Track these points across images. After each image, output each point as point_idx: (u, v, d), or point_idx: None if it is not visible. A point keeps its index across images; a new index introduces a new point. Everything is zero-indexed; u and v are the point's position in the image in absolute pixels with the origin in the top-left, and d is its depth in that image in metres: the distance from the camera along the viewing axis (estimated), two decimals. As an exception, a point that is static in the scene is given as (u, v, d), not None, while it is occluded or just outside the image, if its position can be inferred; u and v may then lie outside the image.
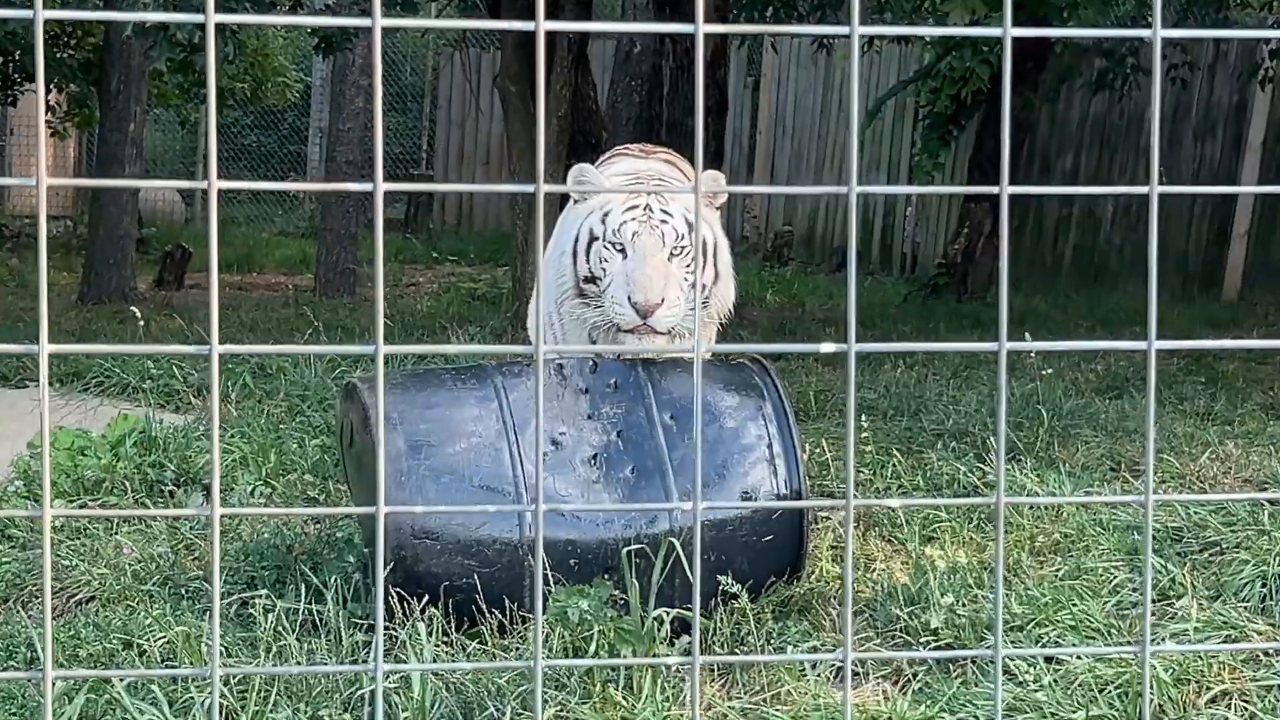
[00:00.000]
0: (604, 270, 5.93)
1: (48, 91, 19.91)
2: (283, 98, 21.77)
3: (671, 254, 5.85)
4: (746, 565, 5.65)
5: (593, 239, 5.96)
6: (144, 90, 14.73)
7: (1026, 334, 10.20)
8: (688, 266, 5.86)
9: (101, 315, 13.10)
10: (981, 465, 7.28)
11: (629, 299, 5.79)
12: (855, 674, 5.39)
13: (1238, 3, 13.71)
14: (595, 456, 5.76)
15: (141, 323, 10.74)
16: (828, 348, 1.81)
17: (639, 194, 5.94)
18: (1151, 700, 4.94)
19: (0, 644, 5.60)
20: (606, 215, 5.99)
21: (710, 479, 5.69)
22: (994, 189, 1.75)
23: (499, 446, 5.74)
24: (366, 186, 1.77)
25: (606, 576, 5.56)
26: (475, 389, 5.85)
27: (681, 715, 5.07)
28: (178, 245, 16.88)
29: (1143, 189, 1.74)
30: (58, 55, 18.79)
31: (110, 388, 9.37)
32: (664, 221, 5.85)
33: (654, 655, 5.25)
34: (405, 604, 5.43)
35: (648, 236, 5.83)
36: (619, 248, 5.89)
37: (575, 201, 6.22)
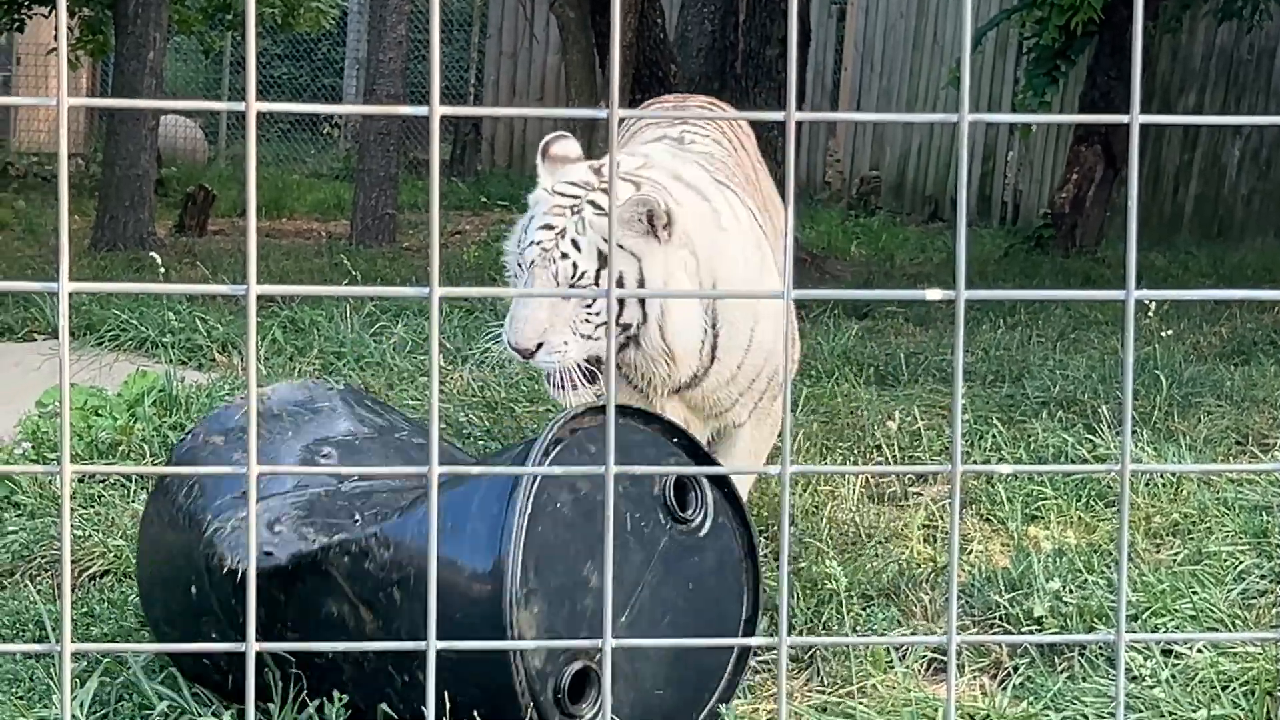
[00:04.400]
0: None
1: (53, 11, 19.99)
2: (316, 25, 21.76)
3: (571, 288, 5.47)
4: None
5: (518, 243, 5.70)
6: (164, 15, 14.75)
7: (1150, 303, 10.12)
8: (589, 306, 5.41)
9: (117, 263, 13.13)
10: (1091, 437, 7.24)
11: (507, 333, 5.44)
12: (942, 666, 5.37)
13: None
14: None
15: (162, 270, 10.79)
16: (934, 294, 1.80)
17: (564, 210, 5.53)
18: (1277, 696, 4.91)
19: (6, 620, 5.62)
20: (529, 224, 5.64)
21: None
22: (1123, 117, 1.73)
23: None
24: (422, 110, 1.77)
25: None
26: None
27: (754, 710, 5.07)
28: (200, 187, 16.95)
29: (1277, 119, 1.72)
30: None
31: (127, 342, 9.41)
32: (564, 256, 5.46)
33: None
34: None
35: (541, 270, 5.47)
36: (525, 270, 5.57)
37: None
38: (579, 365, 5.38)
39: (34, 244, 14.65)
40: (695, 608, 4.90)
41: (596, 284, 5.42)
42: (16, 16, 19.25)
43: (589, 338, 5.38)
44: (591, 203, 5.50)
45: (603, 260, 5.42)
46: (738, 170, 6.35)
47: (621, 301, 5.46)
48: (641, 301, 5.47)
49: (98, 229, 14.46)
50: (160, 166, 17.17)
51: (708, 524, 4.87)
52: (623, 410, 4.94)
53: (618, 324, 5.43)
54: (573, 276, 5.40)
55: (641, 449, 4.87)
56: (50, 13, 19.20)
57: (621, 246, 5.44)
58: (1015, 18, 15.87)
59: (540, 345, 5.34)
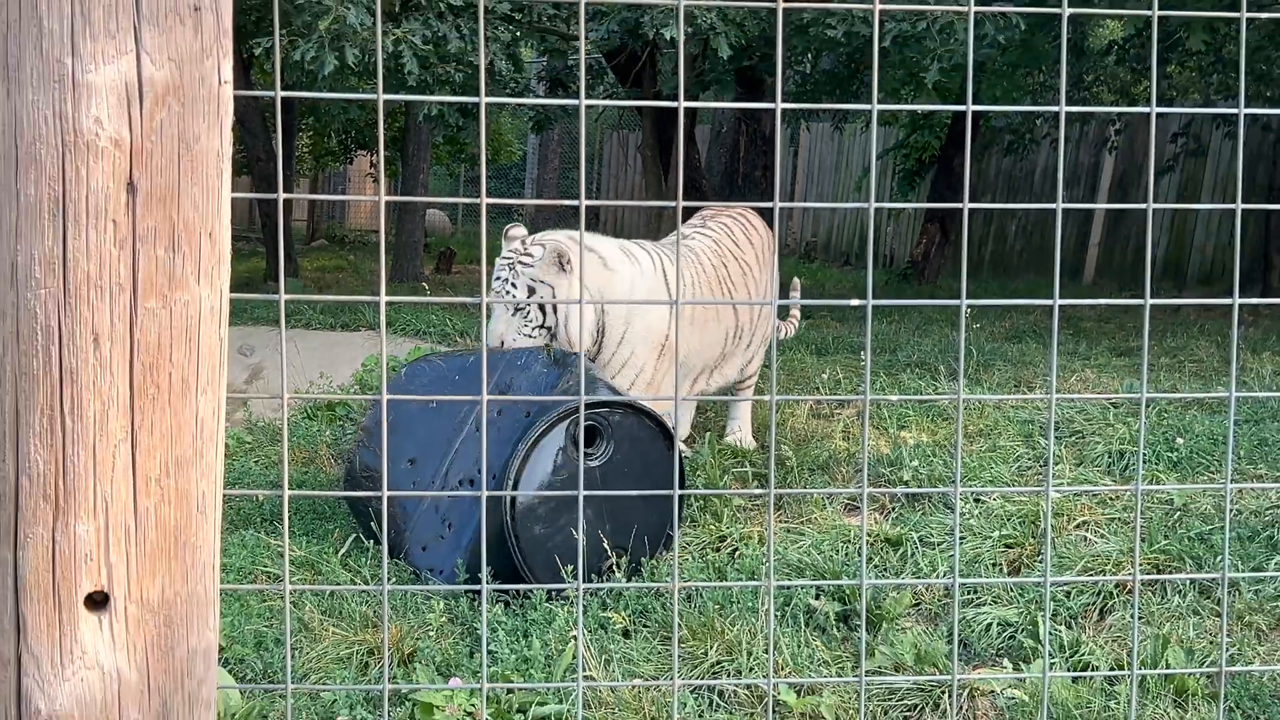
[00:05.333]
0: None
1: (370, 153, 20.11)
2: (510, 159, 21.86)
3: (516, 310, 5.21)
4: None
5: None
6: (428, 153, 14.80)
7: (966, 309, 9.99)
8: (527, 317, 5.20)
9: (403, 289, 13.19)
10: (935, 382, 7.20)
11: (487, 341, 5.16)
12: (855, 508, 5.34)
13: (1095, 94, 13.40)
14: None
15: (427, 291, 10.85)
16: (854, 303, 1.78)
17: (505, 266, 5.26)
18: (1037, 525, 4.88)
19: (326, 483, 5.66)
20: (492, 278, 5.40)
21: None
22: (959, 204, 1.71)
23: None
24: (575, 202, 1.76)
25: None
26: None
27: (749, 532, 5.06)
28: (447, 248, 17.02)
29: (1053, 204, 1.70)
30: (377, 133, 18.99)
31: (409, 331, 9.46)
32: (508, 292, 5.23)
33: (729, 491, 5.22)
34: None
35: (497, 304, 5.20)
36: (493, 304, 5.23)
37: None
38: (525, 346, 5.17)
39: (357, 279, 14.70)
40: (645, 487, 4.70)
41: (525, 306, 5.19)
42: (348, 155, 19.41)
43: (528, 336, 5.19)
44: (521, 260, 5.28)
45: (529, 291, 5.20)
46: (714, 257, 6.00)
47: (544, 312, 5.21)
48: (555, 312, 5.23)
49: (392, 270, 14.54)
50: (426, 236, 17.24)
51: (609, 454, 4.69)
52: (632, 406, 4.77)
53: (543, 327, 5.25)
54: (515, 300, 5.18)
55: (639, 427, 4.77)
56: (368, 154, 19.33)
57: (545, 281, 5.23)
58: (891, 154, 15.80)
59: (503, 342, 5.18)
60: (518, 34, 9.81)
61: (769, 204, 1.70)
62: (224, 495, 1.61)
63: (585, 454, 4.66)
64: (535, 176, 20.89)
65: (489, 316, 5.12)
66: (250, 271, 14.65)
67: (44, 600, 1.53)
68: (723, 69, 10.00)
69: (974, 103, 10.62)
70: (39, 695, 1.53)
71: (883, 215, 17.86)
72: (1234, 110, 1.71)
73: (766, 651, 4.04)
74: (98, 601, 1.55)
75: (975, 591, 4.46)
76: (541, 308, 5.21)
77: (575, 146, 24.21)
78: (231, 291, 1.63)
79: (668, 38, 8.09)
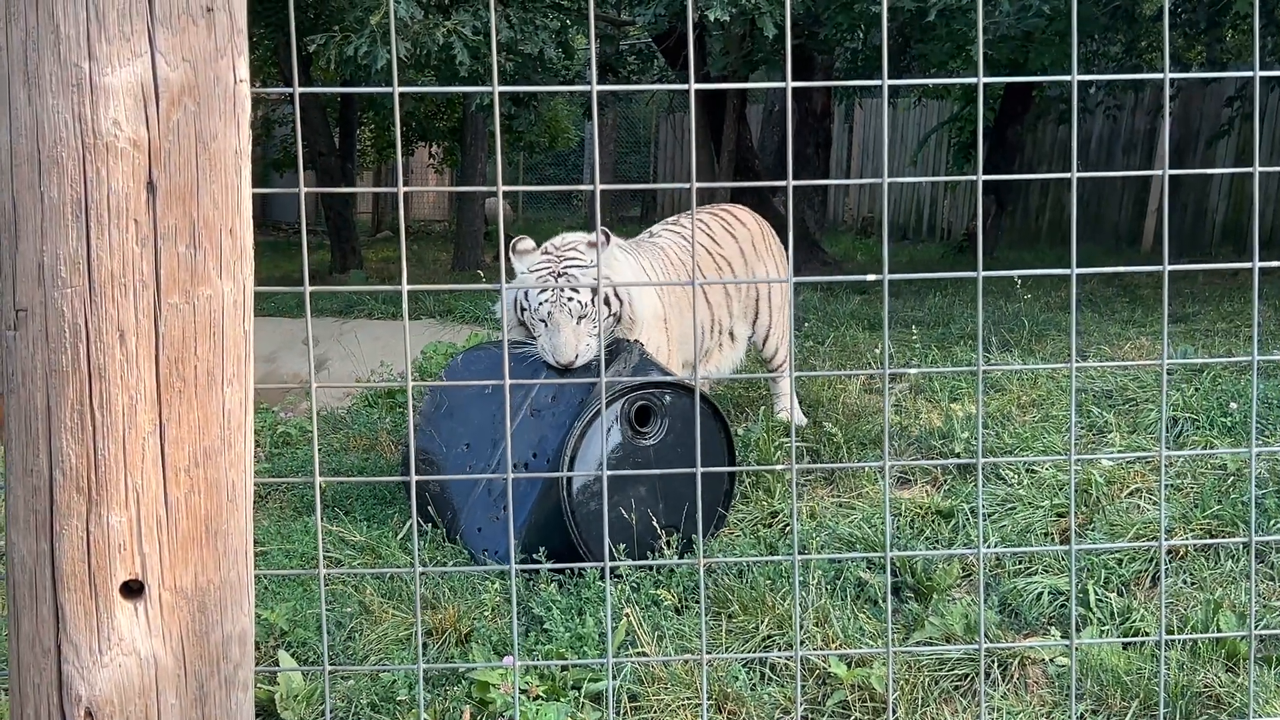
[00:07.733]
0: (536, 331, 4.89)
1: (430, 145, 20.19)
2: (567, 145, 21.91)
3: (580, 318, 4.83)
4: None
5: (522, 309, 4.92)
6: (485, 143, 14.84)
7: (1017, 279, 9.89)
8: (592, 325, 4.82)
9: (464, 278, 13.26)
10: (987, 354, 7.10)
11: (553, 357, 4.80)
12: (908, 481, 5.29)
13: (1149, 60, 13.14)
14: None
15: (484, 278, 10.88)
16: (871, 278, 1.76)
17: (547, 277, 4.86)
18: (1090, 494, 4.81)
19: (388, 472, 5.69)
20: (527, 294, 4.88)
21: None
22: (972, 177, 1.68)
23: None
24: (588, 187, 1.76)
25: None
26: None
27: (800, 507, 5.04)
28: (508, 235, 17.08)
29: (1066, 174, 1.67)
30: (437, 125, 19.02)
31: (467, 318, 9.51)
32: (570, 299, 4.78)
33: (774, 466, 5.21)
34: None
35: (559, 312, 4.81)
36: (541, 320, 4.85)
37: (514, 270, 5.08)
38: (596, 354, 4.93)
39: (420, 269, 14.80)
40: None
41: (593, 306, 4.84)
42: (409, 147, 19.55)
43: (595, 337, 4.83)
44: (575, 265, 4.96)
45: (592, 293, 4.83)
46: (684, 254, 5.69)
47: (607, 301, 4.94)
48: (616, 298, 4.99)
49: (454, 259, 14.64)
50: (486, 224, 17.31)
51: (663, 434, 4.65)
52: (682, 385, 4.72)
53: (610, 318, 5.00)
54: (582, 307, 4.83)
55: (687, 405, 4.76)
56: (428, 145, 19.44)
57: (605, 276, 5.03)
58: (946, 127, 15.63)
59: (577, 356, 4.81)
60: (568, 21, 9.80)
61: (782, 183, 1.69)
62: (272, 484, 1.63)
63: (640, 434, 4.67)
64: (592, 161, 21.04)
65: (549, 327, 4.86)
66: (316, 264, 14.79)
67: (80, 589, 1.56)
68: (769, 48, 9.93)
69: (1025, 73, 10.43)
70: (79, 681, 1.56)
71: (939, 189, 17.69)
72: (1249, 74, 1.66)
73: (817, 625, 4.03)
74: (133, 589, 1.58)
75: (1028, 561, 4.41)
76: (606, 301, 4.93)
77: (632, 131, 24.16)
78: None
79: (712, 19, 8.04)
